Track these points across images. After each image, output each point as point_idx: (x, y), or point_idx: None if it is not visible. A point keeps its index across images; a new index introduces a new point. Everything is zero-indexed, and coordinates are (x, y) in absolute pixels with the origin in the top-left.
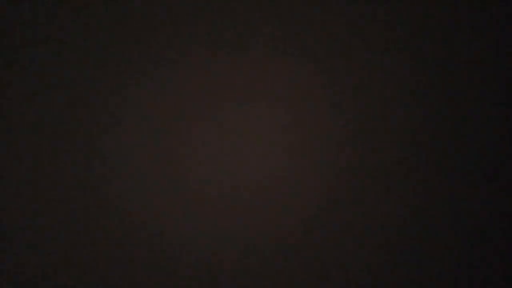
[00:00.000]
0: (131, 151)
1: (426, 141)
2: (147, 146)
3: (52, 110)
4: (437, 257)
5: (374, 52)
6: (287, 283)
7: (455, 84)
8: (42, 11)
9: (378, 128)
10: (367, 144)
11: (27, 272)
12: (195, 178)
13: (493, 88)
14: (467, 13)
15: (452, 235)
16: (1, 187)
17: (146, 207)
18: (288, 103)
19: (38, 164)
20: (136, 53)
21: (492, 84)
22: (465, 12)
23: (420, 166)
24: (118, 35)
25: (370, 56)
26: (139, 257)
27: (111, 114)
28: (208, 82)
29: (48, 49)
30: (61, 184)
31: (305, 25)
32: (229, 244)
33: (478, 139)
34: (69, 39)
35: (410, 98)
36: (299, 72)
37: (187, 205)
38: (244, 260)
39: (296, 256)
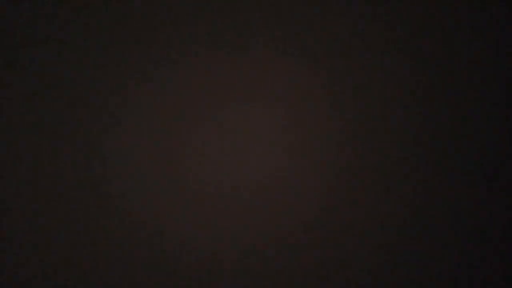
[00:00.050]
0: (131, 151)
1: (426, 141)
2: (147, 146)
3: (52, 110)
4: (437, 257)
5: (374, 52)
6: (287, 283)
7: (455, 84)
8: (42, 11)
9: (378, 128)
10: (367, 144)
11: (27, 272)
12: (195, 178)
13: (493, 88)
14: (467, 13)
15: (452, 235)
16: (1, 187)
17: (146, 207)
18: (288, 103)
19: (38, 164)
20: (136, 53)
21: (492, 84)
22: (465, 12)
23: (420, 166)
24: (118, 35)
25: (370, 56)
26: (139, 257)
27: (111, 114)
28: (208, 82)
29: (48, 49)
30: (61, 184)
31: (305, 25)
32: (229, 244)
33: (478, 139)
34: (69, 39)
35: (410, 98)
36: (299, 72)
37: (187, 205)
38: (244, 260)
39: (296, 256)
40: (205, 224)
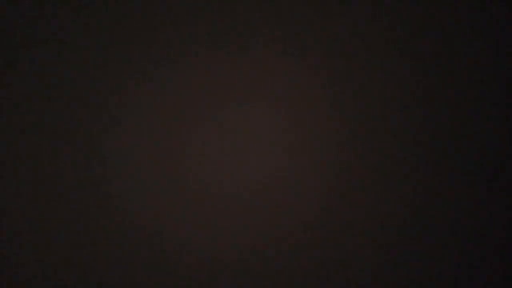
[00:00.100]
0: (131, 151)
1: (426, 141)
2: (147, 146)
3: (52, 110)
4: (437, 257)
5: (374, 52)
6: (287, 283)
7: (455, 84)
8: (42, 11)
9: (378, 128)
10: (367, 144)
11: (27, 272)
12: (195, 178)
13: (493, 88)
14: (467, 13)
15: (452, 235)
16: (1, 187)
17: (146, 207)
18: (288, 103)
19: (38, 164)
20: (136, 53)
21: (492, 84)
22: (465, 12)
23: (420, 166)
24: (118, 35)
25: (370, 56)
26: (139, 257)
27: (111, 114)
28: (208, 82)
29: (48, 49)
30: (61, 184)
31: (305, 25)
32: (229, 244)
33: (478, 139)
34: (69, 39)
35: (410, 98)
36: (299, 72)
37: (187, 205)
38: (244, 260)
39: (296, 256)
40: (205, 224)
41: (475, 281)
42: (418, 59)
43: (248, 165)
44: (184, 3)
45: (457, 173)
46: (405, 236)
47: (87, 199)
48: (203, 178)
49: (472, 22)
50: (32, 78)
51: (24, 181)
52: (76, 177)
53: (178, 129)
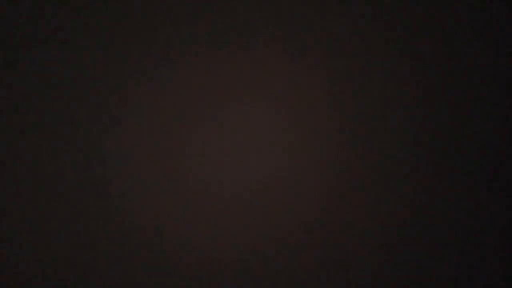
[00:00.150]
0: (131, 151)
1: (426, 141)
2: (147, 146)
3: (52, 110)
4: (437, 257)
5: (374, 52)
6: (287, 283)
7: (455, 84)
8: (42, 11)
9: (378, 128)
10: (367, 144)
11: (27, 272)
12: (195, 178)
13: (493, 88)
14: (467, 13)
15: (452, 235)
16: (1, 187)
17: (146, 207)
18: (288, 103)
19: (38, 164)
20: (136, 53)
21: (492, 84)
22: (465, 12)
23: (420, 166)
24: (118, 35)
25: (370, 56)
26: (139, 257)
27: (111, 114)
28: (208, 82)
29: (48, 49)
30: (61, 184)
31: (305, 25)
32: (229, 244)
33: (478, 139)
34: (69, 39)
35: (410, 98)
36: (299, 72)
37: (187, 205)
38: (244, 260)
39: (296, 256)
40: (205, 224)
41: (475, 281)
42: (418, 59)
43: (248, 165)
44: (184, 3)
45: (457, 173)
46: (405, 236)
47: (87, 199)
48: (203, 178)
49: (472, 22)
50: (32, 78)
51: (24, 181)
52: (76, 177)
53: (178, 129)
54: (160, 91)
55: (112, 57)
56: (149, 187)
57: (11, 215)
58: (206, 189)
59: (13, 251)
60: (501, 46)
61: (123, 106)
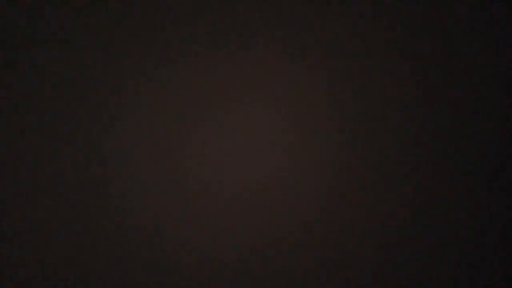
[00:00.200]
0: (131, 151)
1: (426, 141)
2: (147, 146)
3: (52, 110)
4: (437, 257)
5: (374, 52)
6: (287, 283)
7: (455, 84)
8: (42, 11)
9: (378, 128)
10: (367, 144)
11: (27, 272)
12: (195, 178)
13: (493, 88)
14: (467, 13)
15: (452, 235)
16: (1, 187)
17: (146, 207)
18: (288, 103)
19: (38, 164)
20: (136, 53)
21: (492, 84)
22: (465, 12)
23: (420, 166)
24: (118, 35)
25: (370, 56)
26: (139, 257)
27: (111, 114)
28: (208, 82)
29: (48, 49)
30: (61, 184)
31: (305, 25)
32: (229, 244)
33: (478, 139)
34: (69, 39)
35: (410, 98)
36: (299, 72)
37: (187, 205)
38: (244, 260)
39: (296, 256)
40: (205, 224)
41: (475, 281)
42: (418, 59)
43: (248, 165)
44: (184, 3)
45: (457, 173)
46: (405, 236)
47: (87, 199)
48: (203, 178)
49: (472, 22)
50: (32, 78)
51: (24, 181)
52: (76, 177)
53: (178, 129)
54: (160, 91)
55: (112, 57)
56: (149, 187)
57: (11, 215)
58: (206, 189)
59: (13, 251)
60: (501, 46)
61: (123, 106)
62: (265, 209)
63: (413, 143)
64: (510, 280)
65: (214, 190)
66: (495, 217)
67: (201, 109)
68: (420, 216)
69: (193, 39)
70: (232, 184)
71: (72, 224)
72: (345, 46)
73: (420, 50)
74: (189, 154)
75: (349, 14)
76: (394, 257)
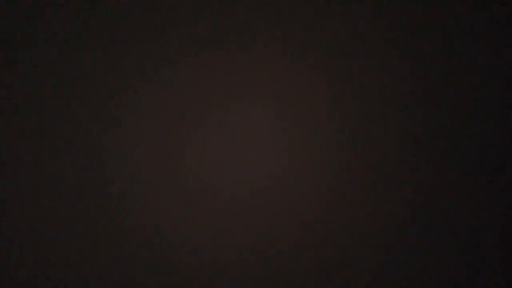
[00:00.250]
0: (131, 151)
1: (426, 141)
2: (147, 146)
3: (52, 110)
4: (437, 257)
5: (374, 52)
6: (287, 283)
7: (455, 84)
8: (42, 11)
9: (378, 128)
10: (367, 144)
11: (27, 272)
12: (195, 178)
13: (493, 88)
14: (467, 13)
15: (452, 235)
16: (1, 187)
17: (146, 207)
18: (288, 103)
19: (38, 164)
20: (136, 53)
21: (492, 84)
22: (465, 12)
23: (420, 166)
24: (118, 35)
25: (370, 56)
26: (139, 257)
27: (111, 114)
28: (208, 82)
29: (48, 49)
30: (61, 184)
31: (305, 25)
32: (229, 244)
33: (478, 139)
34: (69, 39)
35: (410, 98)
36: (299, 72)
37: (187, 205)
38: (244, 260)
39: (296, 256)
40: (205, 224)
41: (475, 281)
42: (418, 59)
43: (248, 165)
44: (184, 3)
45: (457, 173)
46: (405, 236)
47: (87, 199)
48: (203, 178)
49: (472, 22)
50: (32, 78)
51: (24, 181)
52: (76, 177)
53: (178, 129)
54: (160, 91)
55: (112, 57)
56: (149, 187)
57: (11, 215)
58: (206, 189)
59: (13, 251)
60: (501, 46)
61: (123, 106)
62: (265, 209)
63: (413, 143)
64: (510, 280)
65: (214, 190)
66: (495, 217)
67: (201, 109)
68: (420, 216)
69: (193, 39)
70: (232, 184)
71: (72, 224)
72: (345, 46)
73: (420, 50)
74: (189, 154)
75: (349, 14)
76: (394, 257)
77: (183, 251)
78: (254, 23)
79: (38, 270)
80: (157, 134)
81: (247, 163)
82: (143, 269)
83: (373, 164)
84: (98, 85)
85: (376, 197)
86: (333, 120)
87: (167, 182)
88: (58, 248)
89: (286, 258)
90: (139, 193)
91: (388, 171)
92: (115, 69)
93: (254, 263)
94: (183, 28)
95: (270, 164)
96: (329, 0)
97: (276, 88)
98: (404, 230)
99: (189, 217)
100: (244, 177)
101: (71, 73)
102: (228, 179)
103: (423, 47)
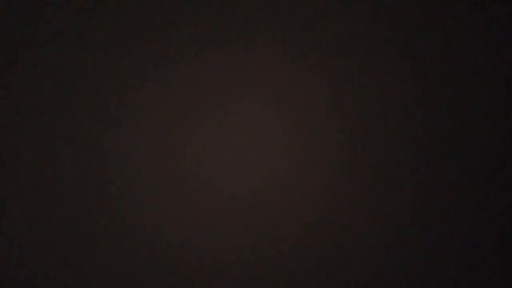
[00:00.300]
0: (131, 151)
1: (426, 141)
2: (147, 146)
3: (52, 110)
4: (437, 257)
5: (374, 52)
6: (287, 283)
7: (455, 84)
8: (42, 11)
9: (378, 128)
10: (367, 144)
11: (27, 272)
12: (195, 178)
13: (493, 88)
14: (467, 13)
15: (452, 235)
16: (1, 187)
17: (146, 207)
18: (288, 103)
19: (38, 164)
20: (136, 53)
21: (492, 84)
22: (465, 12)
23: (420, 166)
24: (118, 35)
25: (370, 56)
26: (139, 257)
27: (111, 114)
28: (208, 82)
29: (48, 49)
30: (61, 184)
31: (305, 25)
32: (229, 244)
33: (478, 139)
34: (69, 39)
35: (410, 98)
36: (299, 72)
37: (187, 205)
38: (244, 260)
39: (296, 256)
40: (205, 224)
41: (475, 281)
42: (418, 59)
43: (248, 165)
44: (184, 3)
45: (457, 173)
46: (405, 236)
47: (87, 199)
48: (203, 178)
49: (472, 22)
50: (32, 78)
51: (24, 181)
52: (76, 177)
53: (178, 129)
54: (160, 91)
55: (112, 57)
56: (149, 187)
57: (11, 215)
58: (206, 189)
59: (13, 251)
60: (501, 46)
61: (123, 106)
62: (265, 209)
63: (413, 143)
64: (510, 280)
65: (214, 190)
66: (495, 217)
67: (201, 109)
68: (420, 216)
69: (193, 39)
70: (232, 184)
71: (72, 224)
72: (345, 46)
73: (420, 50)
74: (189, 154)
75: (349, 14)
76: (394, 257)
77: (183, 251)
78: (254, 23)
79: (38, 270)
80: (157, 134)
81: (247, 163)
82: (143, 269)
83: (373, 164)
84: (98, 85)
85: (376, 197)
86: (333, 120)
87: (167, 182)
88: (58, 248)
89: (286, 258)
90: (139, 193)
91: (388, 171)
92: (115, 69)
93: (254, 263)
94: (183, 28)
95: (270, 164)
96: (329, 0)
97: (276, 88)
98: (404, 230)
99: (189, 217)
100: (244, 177)
101: (71, 73)
102: (228, 179)
103: (423, 47)
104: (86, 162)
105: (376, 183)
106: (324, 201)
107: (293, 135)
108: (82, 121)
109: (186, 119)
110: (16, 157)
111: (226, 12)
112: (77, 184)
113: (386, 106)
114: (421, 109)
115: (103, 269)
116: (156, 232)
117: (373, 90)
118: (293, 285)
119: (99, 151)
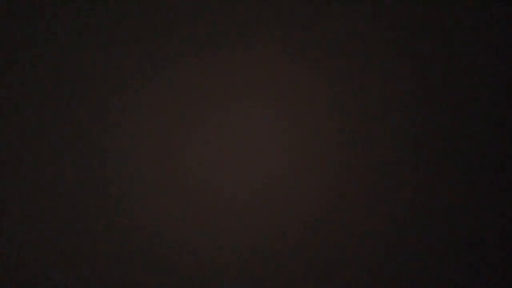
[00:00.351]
0: (131, 151)
1: (426, 141)
2: (147, 146)
3: (52, 110)
4: (437, 257)
5: (374, 52)
6: (287, 283)
7: (455, 84)
8: (42, 11)
9: (378, 128)
10: (367, 144)
11: (27, 272)
12: (195, 178)
13: (493, 88)
14: (467, 13)
15: (452, 235)
16: (1, 187)
17: (146, 207)
18: (288, 103)
19: (38, 164)
20: (136, 53)
21: (492, 84)
22: (465, 12)
23: (420, 166)
24: (118, 35)
25: (370, 56)
26: (139, 257)
27: (111, 114)
28: (208, 82)
29: (48, 49)
30: (61, 184)
31: (305, 25)
32: (229, 244)
33: (478, 139)
34: (69, 39)
35: (410, 98)
36: (299, 72)
37: (187, 205)
38: (244, 260)
39: (296, 256)
40: (205, 224)
41: (475, 281)
42: (418, 59)
43: (248, 165)
44: (184, 3)
45: (457, 173)
46: (405, 236)
47: (87, 199)
48: (203, 178)
49: (472, 22)
50: (32, 78)
51: (24, 181)
52: (76, 177)
53: (178, 129)
54: (160, 91)
55: (112, 57)
56: (149, 187)
57: (11, 215)
58: (206, 189)
59: (13, 251)
60: (501, 46)
61: (123, 106)
62: (265, 209)
63: (413, 143)
64: (510, 280)
65: (214, 190)
66: (495, 217)
67: (201, 109)
68: (420, 216)
69: (193, 39)
70: (232, 184)
71: (72, 224)
72: (345, 46)
73: (420, 50)
74: (189, 154)
75: (349, 14)
76: (394, 257)
77: (183, 251)
78: (254, 23)
79: (38, 270)
80: (157, 134)
81: (247, 163)
82: (143, 269)
83: (373, 164)
84: (98, 85)
85: (376, 197)
86: (333, 120)
87: (167, 182)
88: (58, 248)
89: (286, 258)
90: (139, 193)
91: (388, 171)
92: (115, 69)
93: (254, 263)
94: (183, 28)
95: (270, 164)
96: (329, 0)
97: (276, 88)
98: (404, 230)
99: (189, 217)
100: (244, 177)
101: (71, 73)
102: (228, 179)
103: (423, 47)
104: (86, 162)
105: (376, 183)
106: (324, 201)
107: (293, 135)
108: (82, 121)
109: (186, 119)
110: (16, 157)
111: (226, 12)
112: (77, 184)
113: (386, 106)
114: (421, 109)
115: (103, 269)
116: (156, 232)
117: (373, 90)
118: (293, 285)
119: (99, 151)
